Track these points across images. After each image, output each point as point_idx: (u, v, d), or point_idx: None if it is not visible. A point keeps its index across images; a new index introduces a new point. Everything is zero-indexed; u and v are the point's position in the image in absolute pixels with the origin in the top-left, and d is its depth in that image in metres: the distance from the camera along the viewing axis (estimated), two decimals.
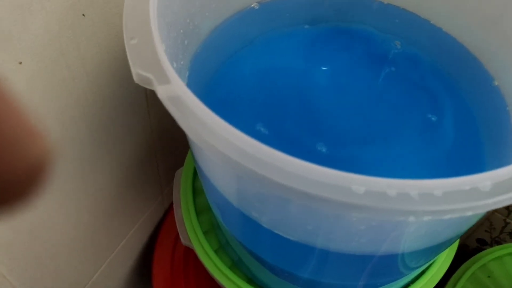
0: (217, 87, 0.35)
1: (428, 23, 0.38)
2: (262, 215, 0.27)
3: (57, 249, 0.44)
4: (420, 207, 0.20)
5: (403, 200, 0.20)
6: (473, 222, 0.30)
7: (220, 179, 0.28)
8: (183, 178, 0.44)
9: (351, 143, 0.32)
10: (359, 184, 0.20)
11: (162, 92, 0.23)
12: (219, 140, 0.21)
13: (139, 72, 0.23)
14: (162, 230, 0.59)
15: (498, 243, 0.67)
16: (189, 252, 0.55)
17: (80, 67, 0.36)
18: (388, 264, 0.31)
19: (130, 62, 0.24)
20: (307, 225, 0.25)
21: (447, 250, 0.40)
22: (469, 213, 0.20)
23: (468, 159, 0.33)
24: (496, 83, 0.34)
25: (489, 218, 0.64)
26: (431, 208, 0.20)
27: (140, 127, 0.47)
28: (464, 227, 0.29)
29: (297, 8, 0.39)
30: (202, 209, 0.43)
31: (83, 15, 0.34)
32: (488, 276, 0.49)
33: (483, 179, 0.20)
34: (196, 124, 0.22)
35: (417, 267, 0.34)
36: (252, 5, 0.38)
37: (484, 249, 0.70)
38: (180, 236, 0.42)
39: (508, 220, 0.62)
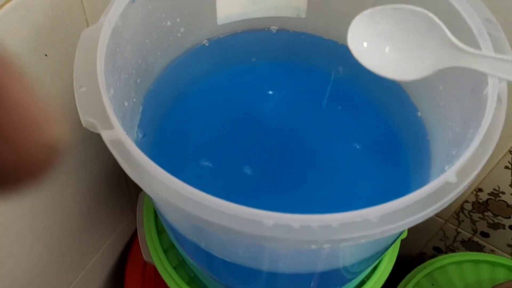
0: (170, 121, 0.38)
1: None
2: (201, 241, 0.30)
3: (30, 265, 0.47)
4: (320, 237, 0.23)
5: (305, 231, 0.23)
6: (393, 239, 0.34)
7: (163, 210, 0.31)
8: (146, 199, 0.47)
9: (283, 168, 0.36)
10: (268, 218, 0.23)
11: (105, 137, 0.26)
12: (152, 181, 0.25)
13: (86, 118, 0.27)
14: (134, 246, 0.62)
15: (452, 251, 0.71)
16: None
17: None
18: (323, 278, 0.34)
19: (79, 109, 0.27)
20: (238, 249, 0.29)
21: (386, 261, 0.43)
22: (362, 241, 0.24)
23: (395, 181, 0.37)
24: (419, 114, 0.38)
25: (442, 228, 0.68)
26: (329, 237, 0.23)
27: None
28: (383, 244, 0.33)
29: (246, 44, 0.43)
30: (164, 228, 0.46)
31: (46, 55, 0.37)
32: (432, 284, 0.53)
33: (372, 212, 0.24)
34: (134, 166, 0.25)
35: (355, 276, 0.38)
36: (202, 43, 0.41)
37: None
38: (143, 253, 0.46)
39: (459, 230, 0.66)
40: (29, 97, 0.12)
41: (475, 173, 0.25)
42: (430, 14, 0.26)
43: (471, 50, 0.25)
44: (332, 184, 0.36)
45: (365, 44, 0.28)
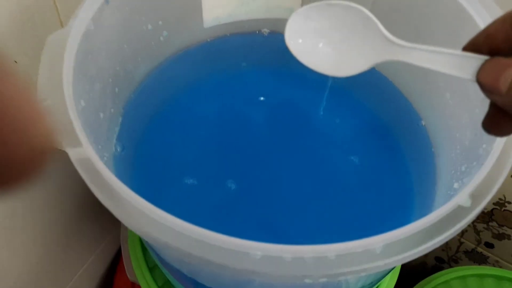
0: (152, 133, 0.35)
1: None
2: (183, 268, 0.27)
3: (8, 285, 0.44)
4: (314, 271, 0.20)
5: (298, 264, 0.20)
6: None
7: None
8: None
9: (275, 184, 0.33)
10: (256, 249, 0.20)
11: (72, 155, 0.23)
12: (124, 206, 0.22)
13: None
14: (120, 263, 0.59)
15: (455, 261, 0.68)
16: None
17: None
18: None
19: None
20: (224, 279, 0.26)
21: (388, 278, 0.40)
22: (363, 274, 0.21)
23: (397, 198, 0.34)
24: (423, 123, 0.35)
25: None
26: (325, 271, 0.20)
27: None
28: (385, 270, 0.30)
29: (235, 49, 0.40)
30: None
31: (16, 62, 0.34)
32: None
33: (375, 242, 0.21)
34: (103, 189, 0.22)
35: None
36: (188, 47, 0.38)
37: (442, 267, 0.71)
38: (127, 272, 0.43)
39: (462, 240, 0.63)
40: (20, 94, 0.11)
41: (491, 195, 0.22)
42: (364, 10, 0.26)
43: (403, 43, 0.24)
44: (327, 201, 0.33)
45: (300, 41, 0.28)
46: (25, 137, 0.12)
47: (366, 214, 0.32)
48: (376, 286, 0.40)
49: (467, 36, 0.27)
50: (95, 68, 0.30)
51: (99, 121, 0.30)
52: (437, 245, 0.21)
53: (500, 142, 0.23)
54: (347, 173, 0.34)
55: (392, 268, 0.33)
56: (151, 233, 0.21)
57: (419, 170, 0.34)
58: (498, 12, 0.28)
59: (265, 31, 0.41)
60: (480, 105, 0.28)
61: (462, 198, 0.22)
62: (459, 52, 0.21)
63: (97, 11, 0.29)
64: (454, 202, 0.22)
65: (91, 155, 0.23)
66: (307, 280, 0.21)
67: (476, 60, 0.21)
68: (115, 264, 0.59)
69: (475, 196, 0.22)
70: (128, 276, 0.43)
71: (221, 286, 0.27)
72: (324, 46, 0.27)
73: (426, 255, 0.71)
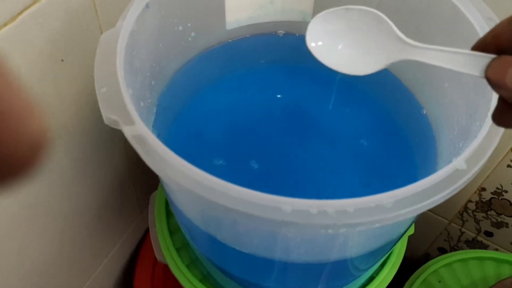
0: (184, 122, 0.40)
1: None
2: (216, 232, 0.31)
3: (45, 267, 0.48)
4: (336, 221, 0.24)
5: (322, 216, 0.24)
6: (401, 230, 0.35)
7: (182, 202, 0.32)
8: (157, 201, 0.48)
9: (294, 166, 0.37)
10: (287, 204, 0.25)
11: (127, 132, 0.28)
12: (175, 172, 0.26)
13: (108, 115, 0.28)
14: (143, 248, 0.63)
15: (457, 251, 0.72)
16: (168, 269, 0.59)
17: (59, 104, 0.40)
18: (334, 272, 0.35)
19: (101, 107, 0.28)
20: (253, 240, 0.30)
21: (394, 256, 0.44)
22: (376, 225, 0.25)
23: (403, 178, 0.38)
24: (424, 111, 0.40)
25: (446, 228, 0.69)
26: (344, 222, 0.24)
27: (118, 155, 0.51)
28: (392, 236, 0.34)
29: (254, 48, 0.44)
30: (175, 228, 0.47)
31: (62, 60, 0.38)
32: (439, 281, 0.54)
33: (386, 198, 0.25)
34: (156, 158, 0.27)
35: (365, 269, 0.39)
36: (212, 47, 0.43)
37: None
38: (155, 253, 0.46)
39: (463, 230, 0.67)
40: (11, 90, 0.12)
41: (484, 160, 0.26)
42: (379, 13, 0.28)
43: (418, 44, 0.26)
44: (340, 181, 0.37)
45: (320, 43, 0.31)
46: (17, 133, 0.12)
47: (375, 190, 0.36)
48: (381, 266, 0.44)
49: (463, 36, 0.30)
50: (137, 63, 0.34)
51: (140, 109, 0.35)
52: (439, 202, 0.25)
53: (490, 117, 0.28)
54: (358, 156, 0.38)
55: (398, 239, 0.37)
56: (202, 195, 0.25)
57: (421, 152, 0.38)
58: (490, 13, 0.32)
59: (281, 32, 0.45)
60: (474, 89, 0.32)
61: (459, 163, 0.26)
62: (468, 51, 0.23)
63: (140, 13, 0.33)
64: (453, 166, 0.26)
65: (143, 131, 0.27)
66: (330, 231, 0.25)
67: (484, 58, 0.22)
68: (137, 253, 0.63)
69: (469, 161, 0.26)
70: (157, 256, 0.47)
71: (250, 247, 0.31)
72: (343, 48, 0.30)
73: (429, 246, 0.74)
